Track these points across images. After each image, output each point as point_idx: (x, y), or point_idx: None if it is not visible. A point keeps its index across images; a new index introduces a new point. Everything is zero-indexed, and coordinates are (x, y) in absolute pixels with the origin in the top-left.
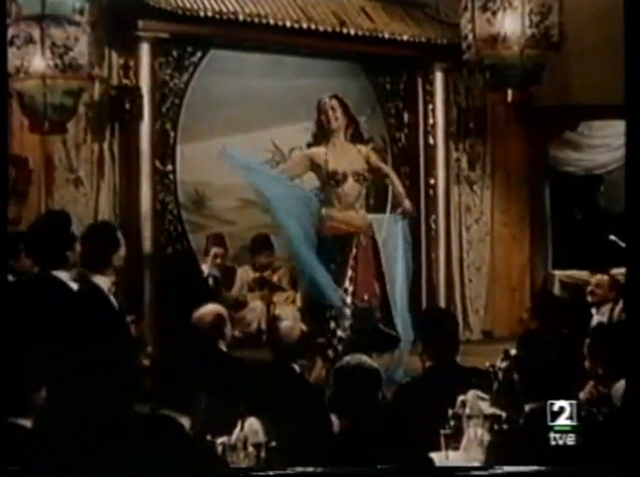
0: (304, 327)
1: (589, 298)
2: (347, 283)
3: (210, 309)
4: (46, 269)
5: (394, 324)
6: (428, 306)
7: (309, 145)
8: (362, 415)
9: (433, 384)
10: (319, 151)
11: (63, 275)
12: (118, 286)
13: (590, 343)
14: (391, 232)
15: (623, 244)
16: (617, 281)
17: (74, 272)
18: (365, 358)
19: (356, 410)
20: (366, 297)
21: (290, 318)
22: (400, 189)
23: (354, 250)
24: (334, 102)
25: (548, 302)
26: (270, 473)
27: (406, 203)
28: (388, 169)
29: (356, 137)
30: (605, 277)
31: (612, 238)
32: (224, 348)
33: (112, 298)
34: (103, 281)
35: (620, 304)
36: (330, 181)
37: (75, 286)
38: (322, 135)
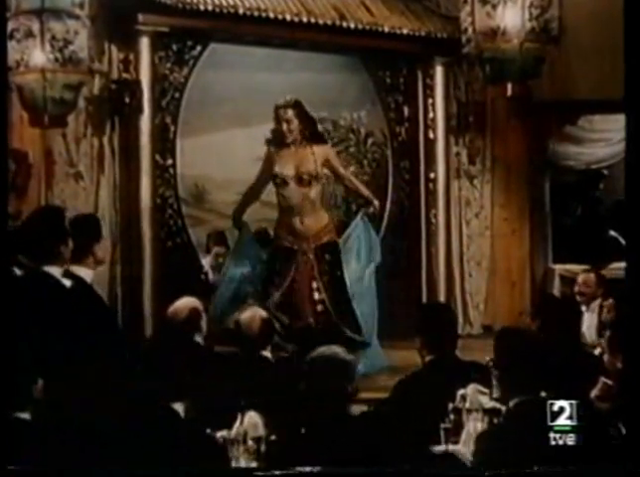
0: (264, 315)
1: (578, 298)
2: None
3: (185, 303)
4: (38, 265)
5: (358, 328)
6: (426, 301)
7: (267, 146)
8: (331, 407)
9: (433, 378)
10: (271, 153)
11: (55, 271)
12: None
13: (610, 336)
14: (354, 236)
15: (623, 241)
16: (603, 277)
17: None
18: (339, 349)
19: (326, 402)
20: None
21: (248, 310)
22: (365, 191)
23: (292, 271)
24: (290, 114)
25: (548, 303)
26: (271, 473)
27: (375, 203)
28: (346, 173)
29: (313, 138)
30: (592, 275)
31: (612, 233)
32: (200, 341)
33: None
34: (86, 273)
35: (610, 300)
36: (274, 184)
37: (67, 283)
38: (276, 139)
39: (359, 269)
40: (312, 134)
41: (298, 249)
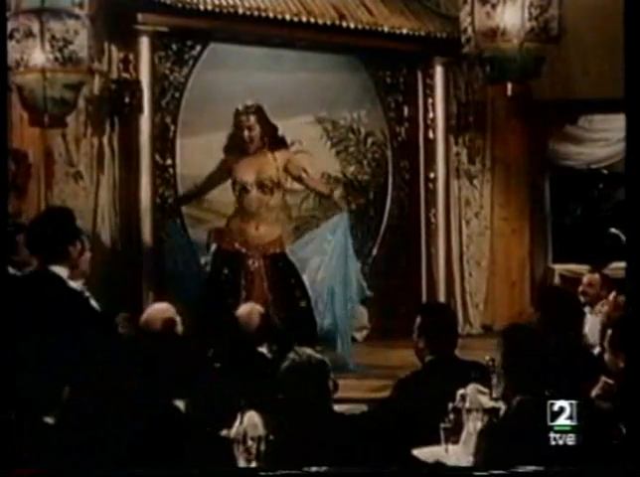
0: (262, 309)
1: (582, 298)
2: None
3: (157, 312)
4: (45, 265)
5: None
6: (426, 301)
7: (224, 152)
8: (315, 409)
9: (433, 378)
10: (230, 158)
11: (61, 271)
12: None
13: (612, 335)
14: (336, 235)
15: (623, 237)
16: (608, 278)
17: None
18: (309, 351)
19: (309, 404)
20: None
21: (245, 305)
22: (323, 189)
23: (243, 273)
24: (252, 120)
25: (552, 296)
26: (271, 473)
27: (334, 195)
28: (304, 175)
29: (273, 144)
30: (596, 276)
31: (613, 230)
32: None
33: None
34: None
35: (610, 297)
36: (234, 190)
37: (73, 284)
38: (234, 145)
39: (338, 270)
40: (272, 140)
41: (248, 255)
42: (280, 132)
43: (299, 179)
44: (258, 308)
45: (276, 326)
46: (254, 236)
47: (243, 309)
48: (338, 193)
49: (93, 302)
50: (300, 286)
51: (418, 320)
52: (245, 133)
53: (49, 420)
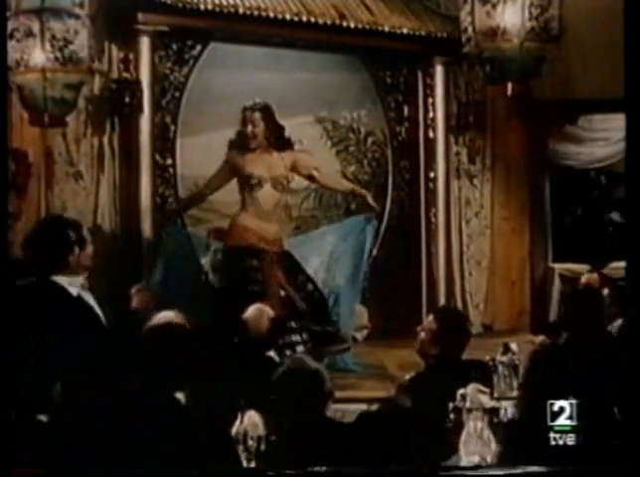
0: (271, 313)
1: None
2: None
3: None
4: (46, 274)
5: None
6: (439, 306)
7: (228, 149)
8: (310, 413)
9: (436, 378)
10: (233, 155)
11: (62, 280)
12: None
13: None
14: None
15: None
16: (607, 277)
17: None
18: (305, 358)
19: (305, 412)
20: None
21: (254, 307)
22: (346, 187)
23: (258, 269)
24: (256, 117)
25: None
26: (273, 473)
27: (364, 194)
28: (319, 174)
29: (278, 144)
30: (595, 275)
31: (611, 216)
32: None
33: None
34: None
35: (605, 295)
36: (245, 185)
37: (74, 291)
38: (240, 141)
39: (345, 271)
40: (277, 140)
41: (264, 250)
42: (287, 133)
43: (311, 178)
44: (268, 311)
45: (285, 331)
46: (267, 232)
47: (252, 312)
48: (365, 193)
49: (95, 306)
50: (310, 280)
51: (434, 326)
52: (249, 128)
53: (49, 420)
